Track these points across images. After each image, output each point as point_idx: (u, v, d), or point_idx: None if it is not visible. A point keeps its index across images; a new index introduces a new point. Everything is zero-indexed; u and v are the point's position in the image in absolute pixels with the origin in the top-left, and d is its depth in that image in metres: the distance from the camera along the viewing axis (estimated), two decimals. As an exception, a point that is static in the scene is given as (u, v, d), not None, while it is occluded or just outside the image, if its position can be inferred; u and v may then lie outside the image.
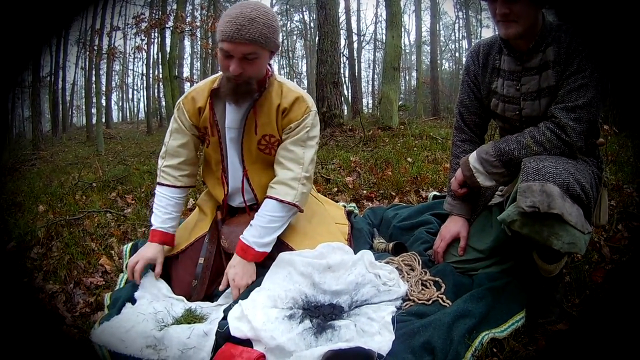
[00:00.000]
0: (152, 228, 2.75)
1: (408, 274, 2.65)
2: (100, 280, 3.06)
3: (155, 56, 24.54)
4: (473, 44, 2.70)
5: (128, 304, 2.45)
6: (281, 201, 2.58)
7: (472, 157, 2.45)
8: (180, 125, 2.73)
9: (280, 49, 2.52)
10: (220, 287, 2.59)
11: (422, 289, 2.53)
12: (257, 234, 2.57)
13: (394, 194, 4.50)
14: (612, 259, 2.74)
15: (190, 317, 2.35)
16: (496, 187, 2.65)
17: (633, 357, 1.69)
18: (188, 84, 18.30)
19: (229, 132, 2.67)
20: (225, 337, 2.17)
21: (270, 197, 2.60)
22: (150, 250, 2.69)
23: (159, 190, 2.80)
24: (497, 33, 2.46)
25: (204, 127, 2.71)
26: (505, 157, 2.32)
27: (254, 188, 2.75)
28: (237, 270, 2.54)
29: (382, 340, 2.11)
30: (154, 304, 2.43)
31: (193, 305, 2.46)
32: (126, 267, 2.97)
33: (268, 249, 2.61)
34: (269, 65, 2.60)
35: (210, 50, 18.48)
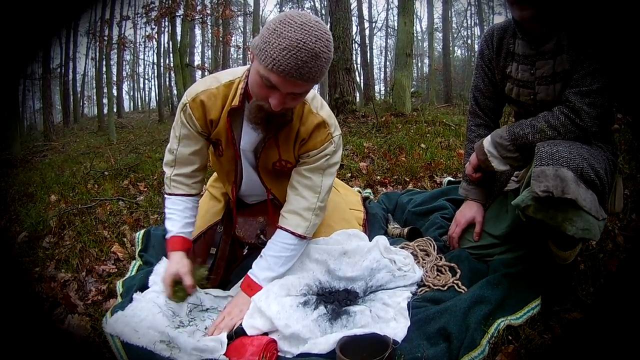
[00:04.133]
0: (170, 235, 2.47)
1: (423, 260, 2.63)
2: (112, 267, 3.04)
3: (166, 45, 24.62)
4: (487, 29, 2.64)
5: (139, 293, 2.39)
6: (292, 233, 2.42)
7: (487, 141, 2.42)
8: (190, 130, 2.38)
9: None
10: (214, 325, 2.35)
11: (438, 275, 2.52)
12: (266, 265, 2.41)
13: (407, 179, 4.47)
14: (626, 247, 2.69)
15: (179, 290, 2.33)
16: (511, 172, 2.63)
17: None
18: (199, 72, 18.18)
19: (243, 153, 2.45)
20: (239, 334, 2.15)
21: (281, 228, 2.44)
22: (173, 265, 2.38)
23: (171, 200, 2.52)
24: (510, 17, 2.41)
25: (216, 139, 2.42)
26: (520, 141, 2.28)
27: (278, 197, 2.59)
28: (234, 301, 2.38)
29: (397, 326, 2.09)
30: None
31: (204, 296, 2.43)
32: (138, 254, 2.95)
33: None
34: None
35: (221, 38, 18.43)
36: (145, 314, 2.15)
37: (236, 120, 2.33)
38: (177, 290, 2.31)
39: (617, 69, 2.12)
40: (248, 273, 2.43)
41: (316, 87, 2.49)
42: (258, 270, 2.41)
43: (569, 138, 2.17)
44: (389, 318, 2.15)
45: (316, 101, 2.36)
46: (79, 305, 2.58)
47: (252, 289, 2.37)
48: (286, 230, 2.41)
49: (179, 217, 2.47)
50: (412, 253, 2.65)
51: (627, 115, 2.87)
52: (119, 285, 2.61)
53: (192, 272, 2.36)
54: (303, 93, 2.02)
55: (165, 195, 2.54)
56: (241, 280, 2.46)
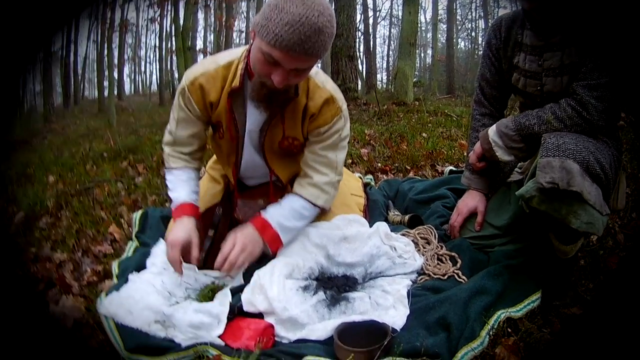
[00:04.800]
0: (178, 202, 2.40)
1: (424, 248, 2.61)
2: (108, 248, 3.01)
3: (169, 28, 24.53)
4: (495, 18, 2.62)
5: (135, 273, 2.36)
6: (312, 203, 2.42)
7: (492, 131, 2.39)
8: (188, 114, 2.36)
9: None
10: (225, 249, 2.27)
11: (438, 264, 2.49)
12: (284, 212, 2.37)
13: (409, 167, 4.45)
14: (626, 245, 2.67)
15: (203, 293, 2.27)
16: (515, 163, 2.60)
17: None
18: (201, 55, 18.15)
19: (248, 133, 2.39)
20: (237, 313, 2.11)
21: (300, 196, 2.42)
22: (183, 228, 2.29)
23: (172, 173, 2.48)
24: (519, 7, 2.41)
25: (216, 121, 2.40)
26: (525, 132, 2.26)
27: (281, 178, 2.56)
28: (246, 240, 2.28)
29: (396, 314, 2.07)
30: (163, 277, 2.32)
31: (203, 277, 2.37)
32: (135, 235, 2.92)
33: (285, 239, 2.40)
34: None
35: (224, 23, 18.38)
36: (141, 294, 2.13)
37: (237, 102, 2.27)
38: (206, 290, 2.29)
39: (621, 66, 2.09)
40: (261, 211, 2.40)
41: (318, 66, 2.45)
42: (274, 213, 2.38)
43: (575, 131, 2.14)
44: (388, 305, 2.13)
45: (320, 75, 2.34)
46: (73, 286, 2.55)
47: (265, 228, 2.34)
48: (306, 199, 2.41)
49: (185, 186, 2.44)
50: (412, 241, 2.62)
51: (629, 114, 2.84)
52: (114, 266, 2.58)
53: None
54: (307, 69, 1.99)
55: (166, 172, 2.53)
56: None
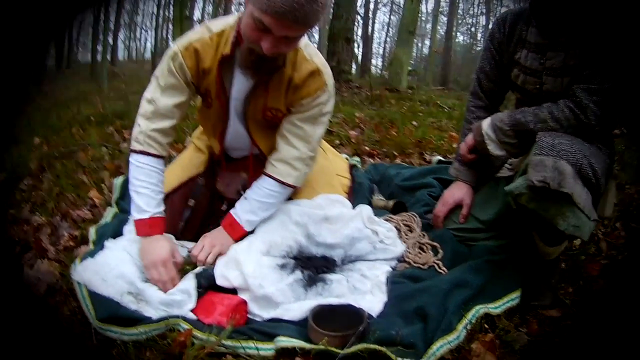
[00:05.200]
0: (148, 216, 2.23)
1: (406, 235, 2.59)
2: (87, 213, 2.98)
3: (168, -5, 24.42)
4: (500, 12, 2.59)
5: (112, 240, 2.32)
6: (281, 182, 2.35)
7: (486, 123, 2.37)
8: (179, 80, 2.23)
9: None
10: (192, 251, 2.29)
11: (419, 252, 2.47)
12: (249, 208, 2.35)
13: (396, 154, 4.43)
14: (608, 254, 2.67)
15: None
16: (505, 158, 2.58)
17: (622, 349, 1.63)
18: (198, 26, 18.05)
19: (233, 102, 2.33)
20: (209, 287, 2.10)
21: (269, 176, 2.36)
22: (163, 244, 2.19)
23: (141, 161, 2.27)
24: (526, 4, 2.39)
25: (205, 89, 2.32)
26: (520, 128, 2.24)
27: (263, 150, 2.49)
28: (214, 241, 2.29)
29: (373, 299, 2.06)
30: (139, 244, 2.24)
31: (179, 248, 2.31)
32: (115, 202, 2.90)
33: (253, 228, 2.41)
34: None
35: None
36: (115, 262, 2.09)
37: (227, 70, 2.23)
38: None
39: (624, 74, 2.08)
40: (230, 211, 2.37)
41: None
42: (241, 211, 2.36)
43: (570, 133, 2.12)
44: (365, 290, 2.12)
45: (310, 48, 2.29)
46: (49, 250, 2.52)
47: (234, 228, 2.34)
48: (274, 179, 2.34)
49: (154, 192, 2.28)
50: (395, 227, 2.60)
51: (622, 125, 2.84)
52: (92, 232, 2.55)
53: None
54: (296, 37, 1.95)
55: (133, 157, 2.30)
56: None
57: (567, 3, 2.16)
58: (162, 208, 2.29)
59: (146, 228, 2.23)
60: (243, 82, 2.25)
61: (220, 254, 2.26)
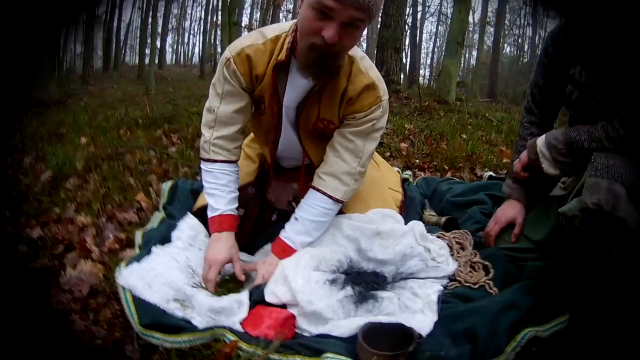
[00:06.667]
0: (217, 213, 2.31)
1: (458, 253, 2.52)
2: (134, 216, 2.96)
3: (215, 2, 24.71)
4: (554, 26, 2.52)
5: (159, 246, 2.30)
6: (330, 197, 2.31)
7: (540, 141, 2.30)
8: (235, 87, 2.25)
9: None
10: (242, 271, 2.27)
11: (470, 271, 2.40)
12: (303, 229, 2.30)
13: (446, 167, 4.35)
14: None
15: (225, 284, 2.21)
16: (558, 177, 2.47)
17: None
18: (246, 31, 18.16)
19: (285, 110, 2.31)
20: (258, 302, 2.06)
21: (318, 190, 2.32)
22: (223, 247, 2.24)
23: (209, 167, 2.35)
24: None
25: (259, 96, 2.31)
26: (574, 147, 2.16)
27: (314, 161, 2.46)
28: (270, 269, 2.23)
29: (423, 319, 1.99)
30: (188, 252, 2.27)
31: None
32: (163, 206, 2.87)
33: None
34: None
35: (273, 0, 18.39)
36: (162, 269, 2.08)
37: (281, 76, 2.21)
38: (228, 286, 2.21)
39: None
40: (281, 236, 2.32)
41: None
42: (294, 234, 2.30)
43: (625, 153, 2.02)
44: (416, 309, 2.06)
45: (365, 61, 2.25)
46: (93, 252, 2.50)
47: (287, 254, 2.28)
48: (323, 193, 2.30)
49: (224, 192, 2.33)
50: (447, 244, 2.53)
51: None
52: (138, 236, 2.50)
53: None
54: (358, 26, 1.91)
55: (203, 164, 2.38)
56: (268, 245, 2.37)
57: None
58: (233, 206, 2.35)
59: (216, 225, 2.30)
60: (297, 89, 2.22)
61: None
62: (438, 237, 2.59)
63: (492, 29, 26.32)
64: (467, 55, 34.78)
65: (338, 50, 1.97)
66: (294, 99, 2.26)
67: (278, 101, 2.26)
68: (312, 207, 2.31)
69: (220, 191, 2.33)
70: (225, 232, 2.29)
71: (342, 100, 2.23)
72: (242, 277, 2.21)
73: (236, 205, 2.37)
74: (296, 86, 2.22)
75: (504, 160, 4.48)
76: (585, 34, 2.17)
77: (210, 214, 2.34)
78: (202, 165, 2.38)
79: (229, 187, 2.35)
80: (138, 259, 2.16)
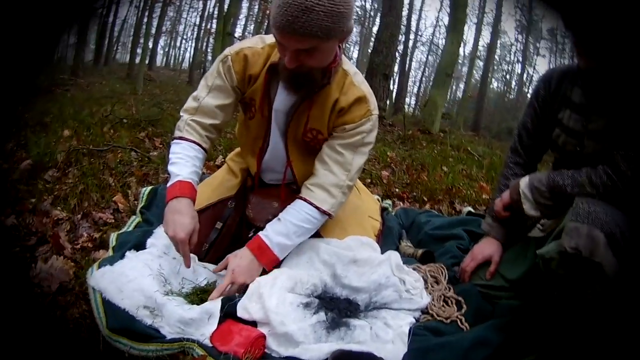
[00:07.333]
0: (178, 179, 2.23)
1: (432, 287, 2.51)
2: (110, 217, 2.94)
3: (211, 10, 24.73)
4: (546, 70, 2.55)
5: (133, 251, 2.28)
6: (317, 208, 2.30)
7: (524, 182, 2.33)
8: (225, 83, 2.31)
9: (352, 32, 2.10)
10: (215, 269, 2.29)
11: (443, 305, 2.39)
12: (284, 230, 2.27)
13: (426, 199, 4.35)
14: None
15: (197, 293, 2.17)
16: (538, 219, 2.49)
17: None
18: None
19: (274, 114, 2.34)
20: (228, 316, 2.03)
21: (305, 200, 2.31)
22: (185, 219, 2.16)
23: (180, 142, 2.33)
24: (573, 63, 2.36)
25: (249, 98, 2.36)
26: (557, 190, 2.20)
27: (297, 176, 2.48)
28: (241, 263, 2.21)
29: (394, 349, 1.97)
30: (162, 260, 2.24)
31: (201, 269, 2.30)
32: (140, 211, 2.85)
33: (283, 256, 2.33)
34: (339, 47, 2.20)
35: (268, 13, 18.48)
36: (135, 275, 2.05)
37: (273, 80, 2.27)
38: (194, 292, 2.18)
39: None
40: (259, 234, 2.30)
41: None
42: (273, 233, 2.28)
43: (606, 199, 2.06)
44: (387, 339, 2.04)
45: (358, 76, 2.33)
46: (66, 248, 2.48)
47: (263, 252, 2.25)
48: (310, 204, 2.30)
49: (189, 162, 2.30)
50: (422, 277, 2.53)
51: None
52: (112, 238, 2.48)
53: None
54: (313, 50, 1.96)
55: (173, 143, 2.36)
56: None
57: (614, 64, 2.11)
58: (195, 178, 2.30)
59: (175, 190, 2.23)
60: (286, 95, 2.28)
61: (242, 286, 2.19)
62: (414, 269, 2.58)
63: (481, 63, 26.61)
64: (454, 87, 35.09)
65: (307, 69, 2.06)
66: (285, 104, 2.30)
67: (269, 104, 2.30)
68: (297, 212, 2.30)
69: (185, 161, 2.29)
70: (185, 199, 2.22)
71: (332, 110, 2.27)
72: (193, 247, 2.19)
73: (197, 179, 2.32)
74: (287, 92, 2.26)
75: (484, 196, 4.49)
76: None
77: (169, 183, 2.27)
78: (172, 145, 2.37)
79: (194, 160, 2.32)
80: (111, 261, 2.14)
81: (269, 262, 2.28)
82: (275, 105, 2.32)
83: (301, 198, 2.33)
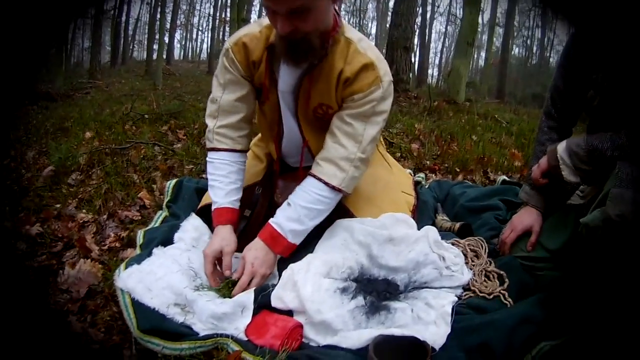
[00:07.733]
0: (215, 207, 2.29)
1: (472, 261, 2.41)
2: (136, 214, 2.89)
3: (224, -1, 24.75)
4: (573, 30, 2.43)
5: (161, 247, 2.24)
6: (325, 183, 2.21)
7: (561, 147, 2.20)
8: (234, 75, 2.27)
9: None
10: (235, 275, 2.15)
11: (485, 281, 2.29)
12: (295, 215, 2.20)
13: (458, 169, 4.26)
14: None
15: (228, 286, 2.10)
16: (577, 185, 2.38)
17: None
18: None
19: (282, 96, 2.29)
20: (263, 306, 1.97)
21: (313, 176, 2.23)
22: (216, 240, 2.20)
23: (213, 157, 2.33)
24: None
25: (259, 83, 2.30)
26: (596, 154, 2.07)
27: (314, 152, 2.38)
28: (257, 254, 2.16)
29: (437, 331, 1.88)
30: (190, 254, 2.20)
31: (233, 260, 2.21)
32: (166, 205, 2.80)
33: (299, 241, 2.26)
34: (336, 13, 2.14)
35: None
36: (163, 272, 2.01)
37: (275, 60, 2.22)
38: (225, 285, 2.11)
39: None
40: (270, 222, 2.24)
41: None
42: (284, 219, 2.21)
43: None
44: (429, 321, 1.95)
45: (364, 42, 2.20)
46: (93, 251, 2.44)
47: (275, 240, 2.20)
48: (319, 179, 2.21)
49: (223, 182, 2.30)
50: (462, 252, 2.43)
51: None
52: (140, 235, 2.43)
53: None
54: (305, 11, 1.88)
55: (208, 155, 2.37)
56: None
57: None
58: (232, 198, 2.31)
59: (215, 218, 2.29)
60: (289, 74, 2.22)
61: (263, 277, 2.15)
62: (452, 244, 2.50)
63: (501, 30, 26.32)
64: (475, 56, 34.85)
65: (301, 35, 1.96)
66: (289, 84, 2.24)
67: (275, 87, 2.25)
68: (305, 193, 2.22)
69: (219, 182, 2.30)
70: (221, 226, 2.26)
71: (338, 82, 2.17)
72: (227, 273, 2.13)
73: (236, 197, 2.33)
74: (289, 71, 2.22)
75: (516, 163, 4.40)
76: (597, 41, 2.10)
77: (212, 207, 2.32)
78: (207, 157, 2.38)
79: (229, 177, 2.32)
80: (139, 260, 2.10)
81: (284, 250, 2.22)
82: (280, 87, 2.26)
83: (310, 174, 2.26)
